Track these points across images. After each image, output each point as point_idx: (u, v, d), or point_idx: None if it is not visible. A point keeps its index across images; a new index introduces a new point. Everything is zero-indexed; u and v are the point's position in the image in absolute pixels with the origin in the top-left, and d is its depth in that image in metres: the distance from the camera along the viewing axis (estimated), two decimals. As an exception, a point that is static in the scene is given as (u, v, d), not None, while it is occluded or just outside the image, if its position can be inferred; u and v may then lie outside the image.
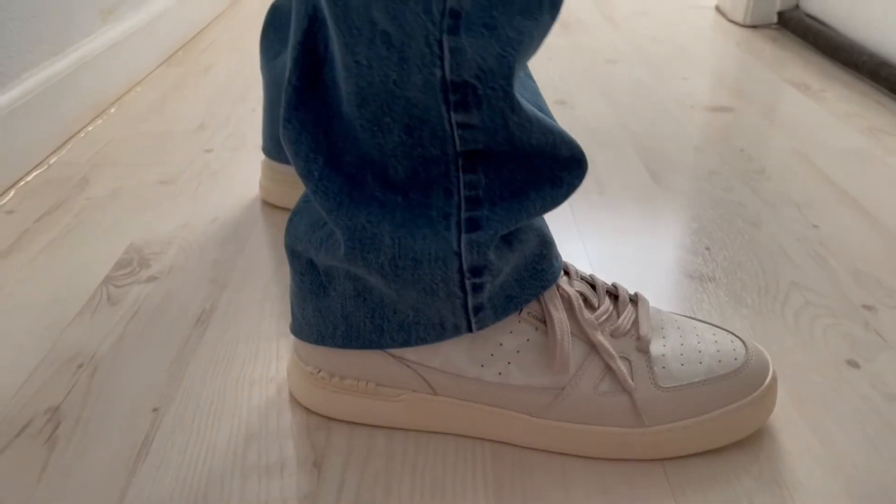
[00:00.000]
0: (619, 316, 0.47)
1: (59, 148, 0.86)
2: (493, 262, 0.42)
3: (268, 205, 0.74)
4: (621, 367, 0.45)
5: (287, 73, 0.40)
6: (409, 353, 0.46)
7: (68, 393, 0.50)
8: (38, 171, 0.81)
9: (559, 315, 0.45)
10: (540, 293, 0.45)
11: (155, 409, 0.48)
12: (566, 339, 0.44)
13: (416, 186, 0.41)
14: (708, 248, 0.69)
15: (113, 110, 0.98)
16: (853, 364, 0.54)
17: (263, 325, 0.57)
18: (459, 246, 0.40)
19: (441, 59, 0.36)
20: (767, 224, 0.74)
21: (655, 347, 0.47)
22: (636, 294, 0.49)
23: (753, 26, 1.46)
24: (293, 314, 0.48)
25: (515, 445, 0.46)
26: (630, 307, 0.48)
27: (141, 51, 1.10)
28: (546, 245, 0.45)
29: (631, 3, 1.63)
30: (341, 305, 0.44)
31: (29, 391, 0.50)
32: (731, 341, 0.48)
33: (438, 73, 0.36)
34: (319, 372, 0.47)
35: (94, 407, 0.49)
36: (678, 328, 0.48)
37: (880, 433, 0.48)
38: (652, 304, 0.60)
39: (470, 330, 0.44)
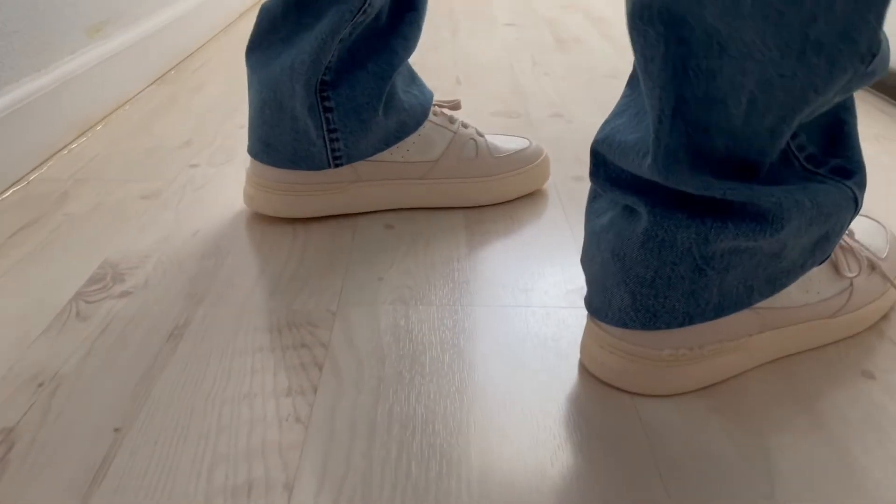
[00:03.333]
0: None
1: (41, 165, 0.84)
2: None
3: (251, 218, 0.72)
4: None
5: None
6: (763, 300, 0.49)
7: (25, 413, 0.46)
8: (16, 188, 0.78)
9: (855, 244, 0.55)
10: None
11: (117, 430, 0.45)
12: (863, 259, 0.54)
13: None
14: (710, 257, 0.66)
15: (99, 128, 0.96)
16: (868, 375, 0.51)
17: (239, 339, 0.54)
18: (854, 193, 0.47)
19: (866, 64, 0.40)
20: (772, 232, 0.70)
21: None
22: None
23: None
24: (648, 310, 0.47)
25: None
26: None
27: (130, 70, 1.08)
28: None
29: (629, 20, 1.61)
30: (719, 280, 0.46)
31: (-16, 411, 0.47)
32: None
33: (861, 69, 0.40)
34: (680, 350, 0.48)
35: (51, 428, 0.45)
36: None
37: (901, 448, 0.44)
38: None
39: (818, 261, 0.50)
